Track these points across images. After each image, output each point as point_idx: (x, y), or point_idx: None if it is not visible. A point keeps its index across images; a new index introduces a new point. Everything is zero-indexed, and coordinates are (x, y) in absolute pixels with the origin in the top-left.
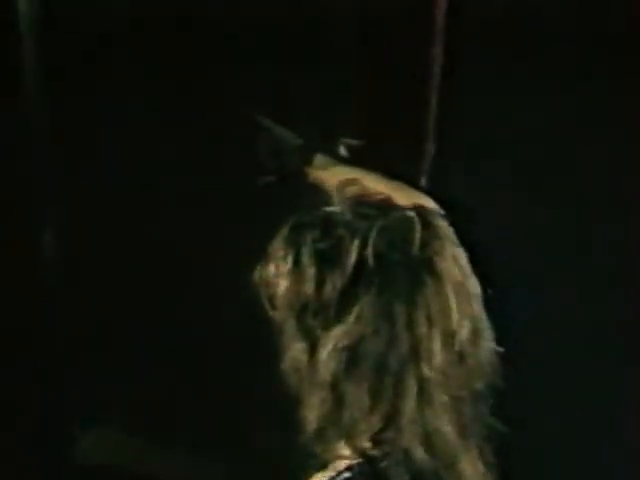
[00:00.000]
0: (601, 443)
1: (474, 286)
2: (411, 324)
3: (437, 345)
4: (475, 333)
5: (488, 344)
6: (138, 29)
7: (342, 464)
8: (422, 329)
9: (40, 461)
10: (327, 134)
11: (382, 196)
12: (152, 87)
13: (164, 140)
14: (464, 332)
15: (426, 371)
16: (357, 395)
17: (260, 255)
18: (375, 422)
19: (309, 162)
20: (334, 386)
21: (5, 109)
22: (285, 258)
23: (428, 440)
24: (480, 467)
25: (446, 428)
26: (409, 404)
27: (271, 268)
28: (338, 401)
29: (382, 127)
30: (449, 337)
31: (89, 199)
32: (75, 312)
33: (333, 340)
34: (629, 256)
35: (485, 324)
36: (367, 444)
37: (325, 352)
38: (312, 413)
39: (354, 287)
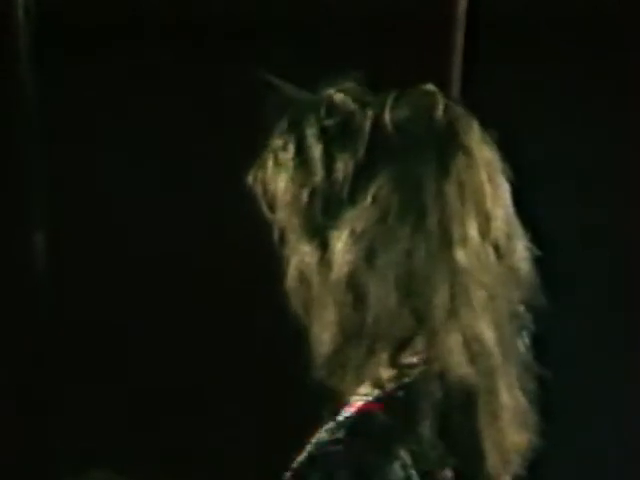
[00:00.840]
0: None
1: (503, 182)
2: (441, 197)
3: (472, 226)
4: (509, 228)
5: (523, 249)
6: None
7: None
8: (455, 204)
9: None
10: None
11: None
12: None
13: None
14: (499, 219)
15: (460, 256)
16: (382, 290)
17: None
18: (404, 326)
19: None
20: (354, 283)
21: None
22: (285, 146)
23: (466, 348)
24: (519, 396)
25: (486, 334)
26: (442, 297)
27: (269, 162)
28: (359, 301)
29: None
30: (484, 220)
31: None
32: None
33: (349, 225)
34: None
35: (518, 227)
36: (393, 368)
37: (340, 244)
38: (327, 329)
39: (370, 163)
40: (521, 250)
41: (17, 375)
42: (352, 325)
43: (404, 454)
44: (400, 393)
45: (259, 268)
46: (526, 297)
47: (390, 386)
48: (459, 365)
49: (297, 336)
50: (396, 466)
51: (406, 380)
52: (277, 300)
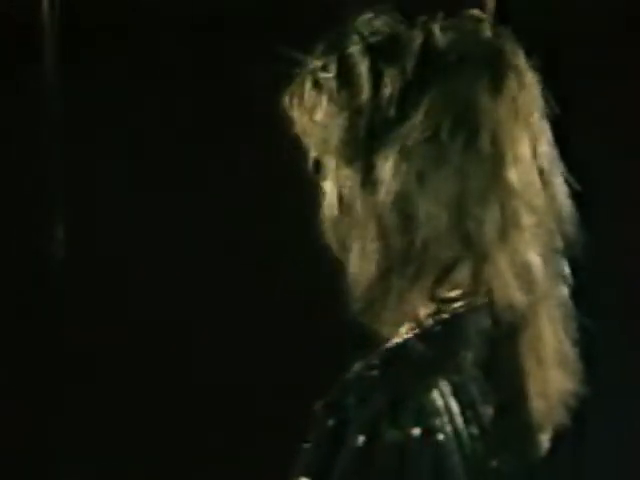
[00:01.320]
0: None
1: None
2: (494, 115)
3: (524, 146)
4: (552, 157)
5: (562, 182)
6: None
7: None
8: (507, 123)
9: None
10: None
11: None
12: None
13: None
14: (544, 144)
15: (512, 176)
16: (432, 210)
17: None
18: (452, 249)
19: None
20: (402, 204)
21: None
22: (326, 67)
23: (516, 274)
24: (562, 338)
25: (534, 261)
26: (493, 218)
27: (307, 84)
28: (407, 223)
29: None
30: (533, 142)
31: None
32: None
33: (399, 142)
34: None
35: (557, 158)
36: (432, 302)
37: (389, 162)
38: (370, 257)
39: (420, 80)
40: (560, 183)
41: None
42: (398, 250)
43: (443, 383)
44: (438, 328)
45: None
46: (566, 233)
47: (428, 322)
48: (509, 288)
49: None
50: (434, 394)
51: (444, 316)
52: None
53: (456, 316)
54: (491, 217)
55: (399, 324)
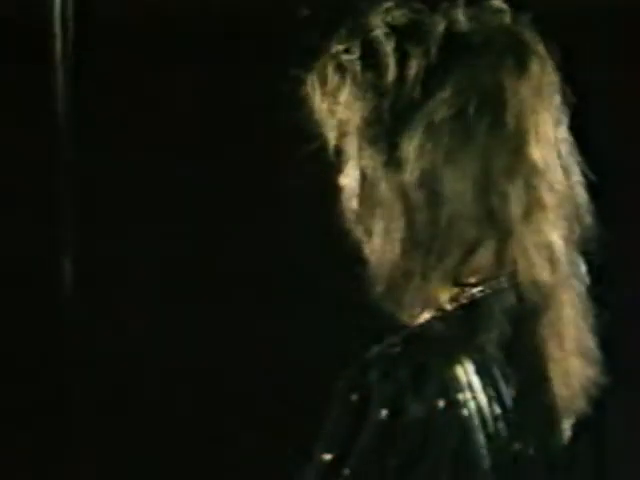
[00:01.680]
0: None
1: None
2: (518, 95)
3: (547, 126)
4: (570, 142)
5: (579, 172)
6: None
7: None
8: (531, 102)
9: None
10: None
11: None
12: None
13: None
14: (562, 129)
15: (536, 154)
16: (458, 186)
17: None
18: (477, 227)
19: None
20: (428, 181)
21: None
22: (350, 49)
23: (540, 253)
24: (581, 324)
25: (557, 242)
26: (518, 195)
27: (329, 67)
28: (433, 201)
29: None
30: (554, 123)
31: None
32: None
33: (425, 119)
34: None
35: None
36: (454, 285)
37: (415, 140)
38: (394, 237)
39: (445, 60)
40: (577, 172)
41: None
42: (423, 228)
43: (466, 361)
44: (459, 312)
45: None
46: (583, 221)
47: (449, 307)
48: (534, 267)
49: None
50: (458, 370)
51: (464, 301)
52: None
53: (477, 300)
54: (516, 194)
55: (419, 310)
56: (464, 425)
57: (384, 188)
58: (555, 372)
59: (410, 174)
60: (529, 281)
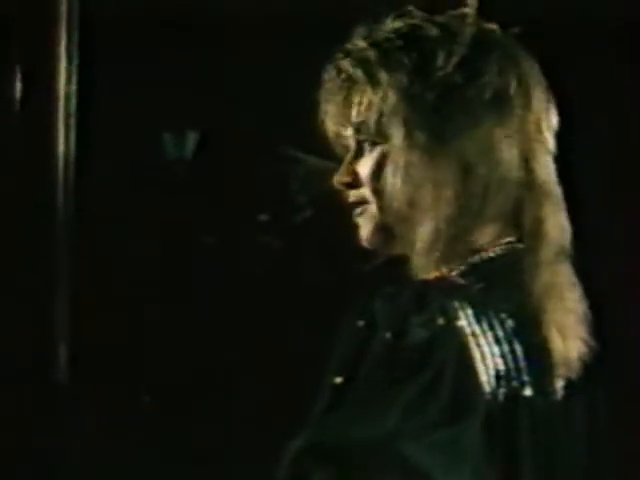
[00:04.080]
0: None
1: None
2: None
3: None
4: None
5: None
6: None
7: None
8: (543, 92)
9: None
10: None
11: None
12: None
13: None
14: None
15: (549, 146)
16: (506, 154)
17: None
18: (519, 188)
19: None
20: (476, 155)
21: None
22: (392, 39)
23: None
24: (578, 291)
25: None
26: (550, 165)
27: (347, 64)
28: (486, 159)
29: None
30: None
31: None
32: None
33: (467, 103)
34: None
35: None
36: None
37: (455, 123)
38: (442, 204)
39: (481, 46)
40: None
41: None
42: (477, 191)
43: (465, 305)
44: (472, 269)
45: None
46: None
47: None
48: (564, 231)
49: None
50: (459, 311)
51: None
52: None
53: (492, 257)
54: (549, 165)
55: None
56: (463, 341)
57: (429, 166)
58: (555, 333)
59: (447, 151)
60: (556, 244)
